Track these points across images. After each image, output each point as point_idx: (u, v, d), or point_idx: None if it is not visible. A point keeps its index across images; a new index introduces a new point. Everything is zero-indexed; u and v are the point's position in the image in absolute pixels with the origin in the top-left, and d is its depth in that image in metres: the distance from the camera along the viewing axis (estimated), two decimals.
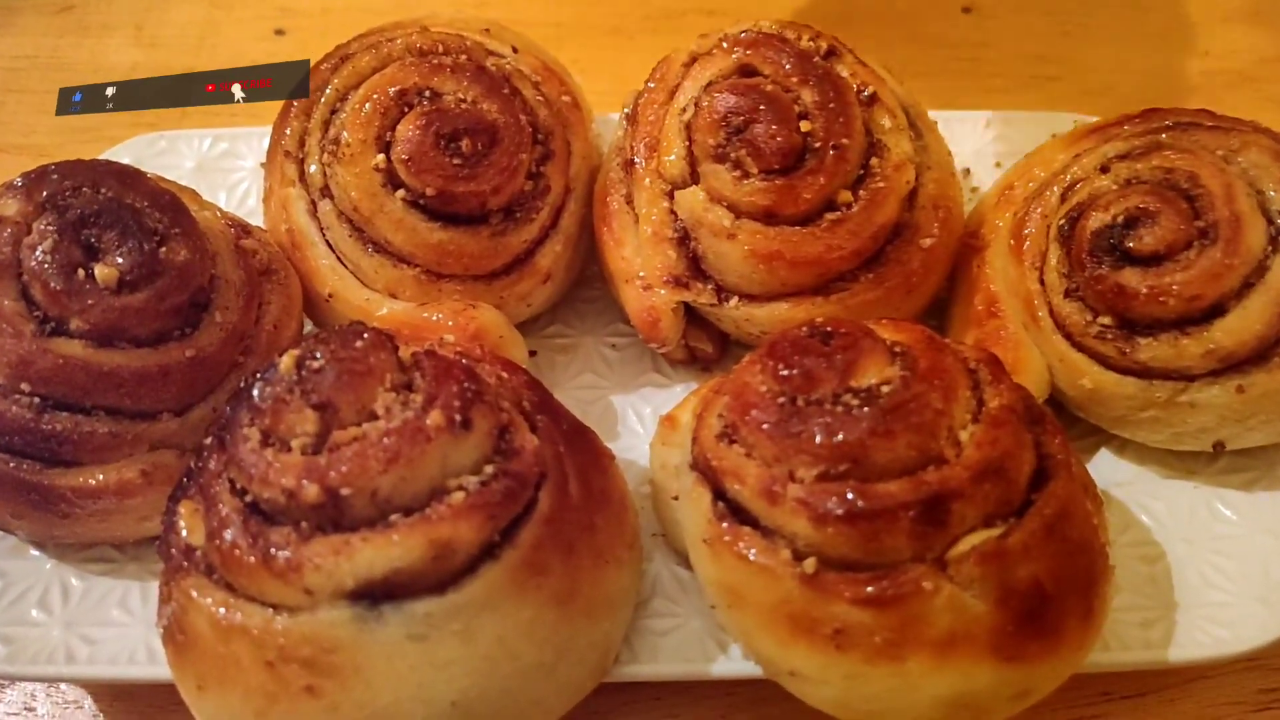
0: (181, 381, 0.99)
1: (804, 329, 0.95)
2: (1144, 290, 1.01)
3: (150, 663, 0.99)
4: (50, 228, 0.97)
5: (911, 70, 1.19)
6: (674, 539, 1.03)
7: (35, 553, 1.07)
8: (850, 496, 0.85)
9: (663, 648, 0.99)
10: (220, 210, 1.13)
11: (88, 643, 1.01)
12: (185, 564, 0.87)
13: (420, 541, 0.81)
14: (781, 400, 0.90)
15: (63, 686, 1.09)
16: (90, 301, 0.96)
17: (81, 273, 0.97)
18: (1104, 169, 1.09)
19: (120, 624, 1.02)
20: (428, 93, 1.11)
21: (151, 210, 1.01)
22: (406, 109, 1.10)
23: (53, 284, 0.96)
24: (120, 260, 0.98)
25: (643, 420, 1.17)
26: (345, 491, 0.81)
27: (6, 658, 0.99)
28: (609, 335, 1.25)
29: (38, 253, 0.96)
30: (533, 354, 1.20)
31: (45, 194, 0.99)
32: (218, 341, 1.02)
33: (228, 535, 0.83)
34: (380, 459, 0.82)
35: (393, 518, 0.82)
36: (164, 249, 1.00)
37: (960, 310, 1.16)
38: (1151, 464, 1.10)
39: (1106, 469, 1.10)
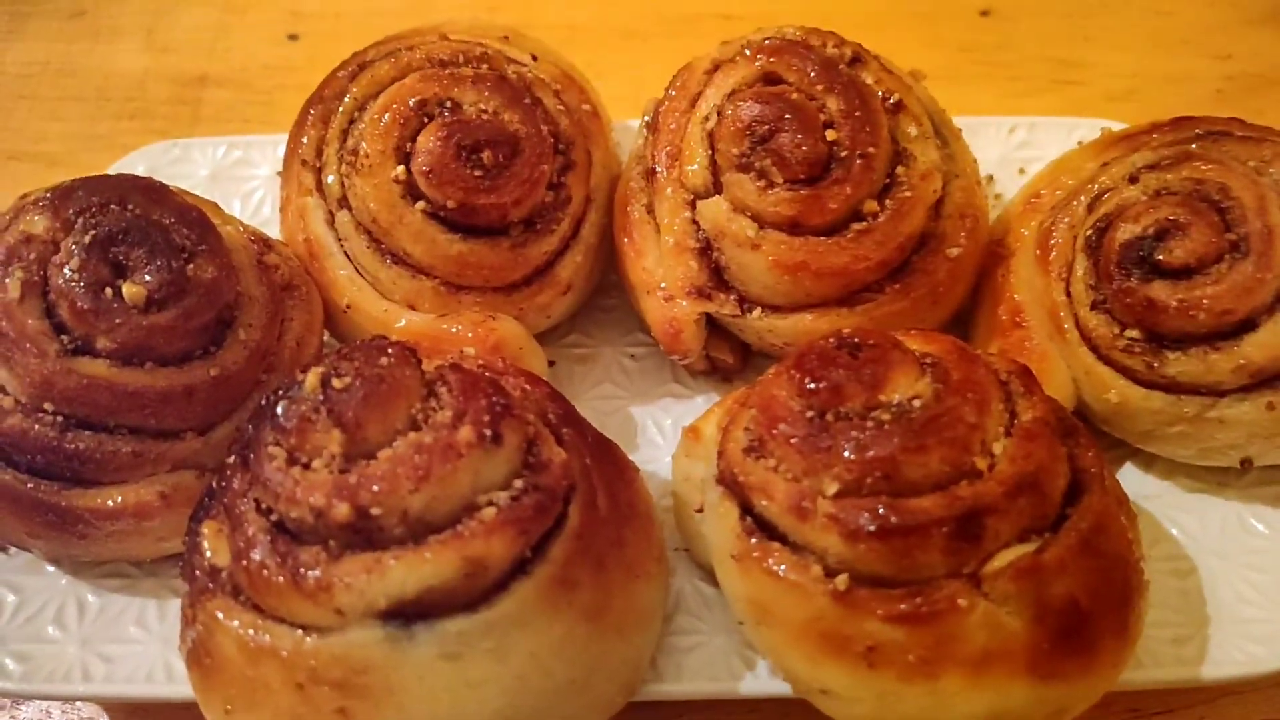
0: (205, 401, 0.98)
1: (832, 340, 0.93)
2: (1173, 304, 1.00)
3: (168, 681, 0.98)
4: (78, 246, 0.96)
5: (930, 74, 1.18)
6: (698, 553, 1.02)
7: (50, 569, 1.06)
8: (883, 512, 0.84)
9: (687, 665, 0.98)
10: (242, 224, 1.12)
11: (104, 660, 1.00)
12: (210, 585, 0.86)
13: (453, 559, 0.80)
14: (810, 414, 0.89)
15: (78, 704, 1.08)
16: (118, 320, 0.95)
17: (109, 291, 0.96)
18: (1133, 179, 1.08)
19: (137, 641, 1.01)
20: (448, 103, 1.10)
21: (179, 226, 1.01)
22: (427, 120, 1.09)
23: (80, 303, 0.95)
24: (148, 278, 0.97)
25: (663, 431, 1.16)
26: (376, 510, 0.80)
27: (23, 675, 0.98)
28: (628, 345, 1.24)
29: (65, 271, 0.96)
30: (551, 364, 1.19)
31: (72, 211, 0.99)
32: (242, 360, 1.01)
33: (255, 555, 0.82)
34: (412, 477, 0.81)
35: (424, 535, 0.81)
36: (192, 266, 0.99)
37: (984, 319, 1.15)
38: (1181, 477, 1.09)
39: (1135, 482, 1.08)
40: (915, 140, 1.11)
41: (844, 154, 1.06)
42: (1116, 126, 1.20)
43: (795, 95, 1.08)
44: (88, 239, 0.97)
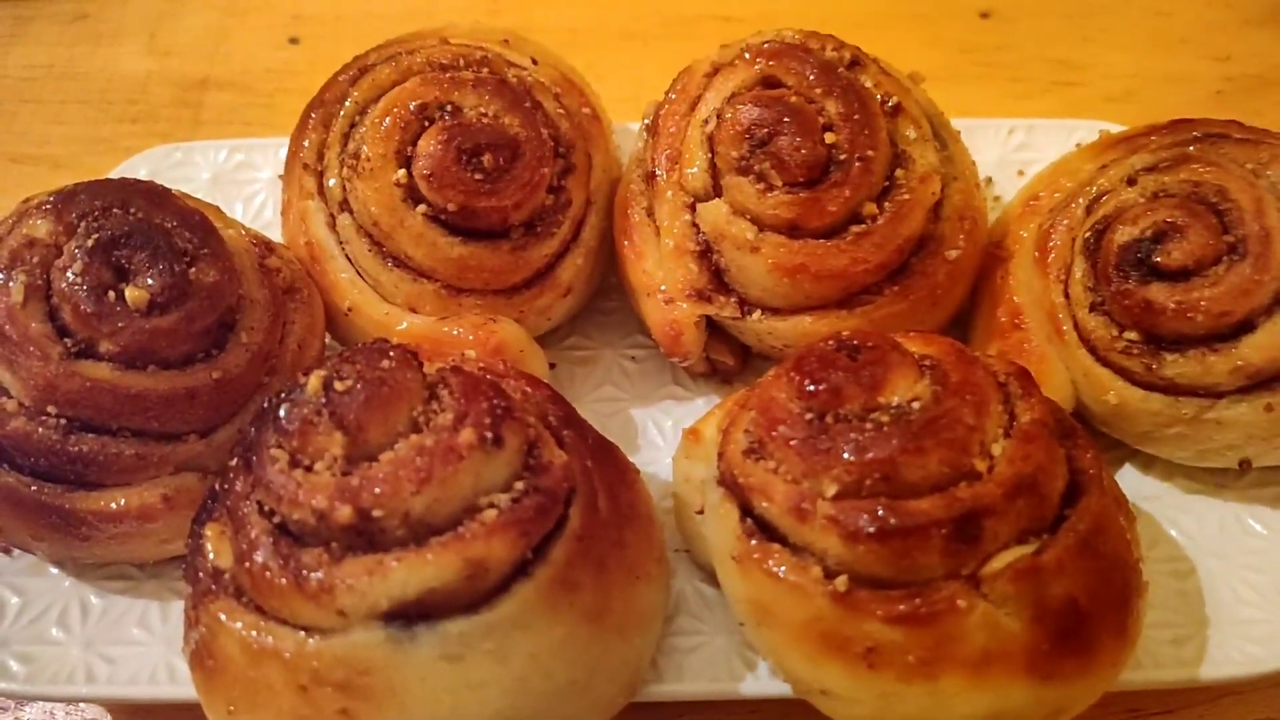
0: (208, 403, 0.99)
1: (831, 343, 0.94)
2: (1171, 306, 1.00)
3: (171, 682, 0.99)
4: (81, 250, 0.97)
5: (929, 75, 1.18)
6: (698, 554, 1.02)
7: (54, 570, 1.06)
8: (882, 514, 0.84)
9: (688, 666, 0.98)
10: (244, 228, 1.12)
11: (107, 661, 1.00)
12: (213, 587, 0.86)
13: (454, 560, 0.80)
14: (809, 416, 0.90)
15: (82, 705, 1.09)
16: (120, 324, 0.96)
17: (111, 295, 0.97)
18: (1131, 181, 1.08)
19: (140, 643, 1.02)
20: (449, 107, 1.10)
21: (181, 230, 1.01)
22: (427, 124, 1.10)
23: (83, 306, 0.95)
24: (150, 282, 0.97)
25: (663, 433, 1.17)
26: (378, 513, 0.80)
27: (26, 677, 0.99)
28: (628, 347, 1.24)
29: (68, 275, 0.96)
30: (552, 366, 1.19)
31: (75, 215, 0.99)
32: (244, 363, 1.01)
33: (258, 557, 0.82)
34: (413, 479, 0.81)
35: (425, 537, 0.81)
36: (194, 270, 1.00)
37: (983, 321, 1.15)
38: (1179, 478, 1.09)
39: (1133, 483, 1.09)
40: (914, 143, 1.11)
41: (843, 157, 1.07)
42: (1115, 129, 1.20)
43: (794, 98, 1.08)
44: (90, 243, 0.97)
